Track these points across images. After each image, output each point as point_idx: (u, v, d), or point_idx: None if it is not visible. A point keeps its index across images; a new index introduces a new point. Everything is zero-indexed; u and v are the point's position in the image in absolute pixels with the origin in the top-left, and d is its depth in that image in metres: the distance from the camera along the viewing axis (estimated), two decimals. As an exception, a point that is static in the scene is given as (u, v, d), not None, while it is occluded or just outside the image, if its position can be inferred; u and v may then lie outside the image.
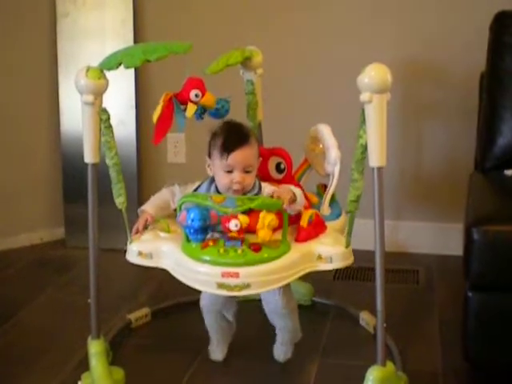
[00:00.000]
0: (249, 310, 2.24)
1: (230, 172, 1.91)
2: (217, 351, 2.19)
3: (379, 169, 1.79)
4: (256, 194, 1.95)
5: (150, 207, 2.02)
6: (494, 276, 1.85)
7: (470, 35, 2.80)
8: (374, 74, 1.72)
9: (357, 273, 2.84)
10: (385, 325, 1.85)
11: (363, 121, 1.76)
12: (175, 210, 1.93)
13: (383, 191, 1.82)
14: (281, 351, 2.14)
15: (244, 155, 1.91)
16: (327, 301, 2.55)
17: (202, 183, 2.01)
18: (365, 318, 2.37)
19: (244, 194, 1.93)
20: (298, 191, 1.92)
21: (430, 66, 2.91)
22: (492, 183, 2.31)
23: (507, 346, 1.90)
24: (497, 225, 1.85)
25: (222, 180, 1.92)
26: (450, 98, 2.91)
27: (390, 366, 1.88)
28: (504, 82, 2.38)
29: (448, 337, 2.29)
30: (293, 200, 1.87)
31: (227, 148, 1.91)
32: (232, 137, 1.93)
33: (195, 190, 2.00)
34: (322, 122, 2.12)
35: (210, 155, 1.97)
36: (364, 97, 1.72)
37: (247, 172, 1.92)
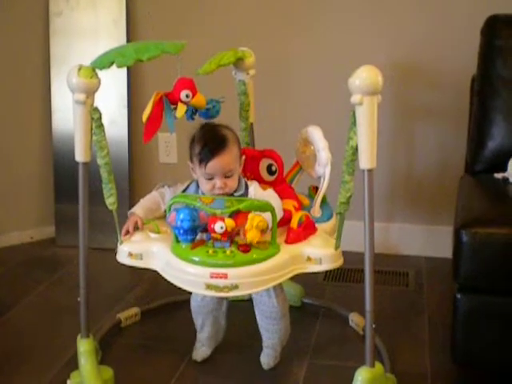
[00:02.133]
0: (237, 311, 2.25)
1: (211, 179, 1.93)
2: (200, 351, 2.18)
3: (369, 171, 1.79)
4: (242, 194, 1.96)
5: (139, 210, 2.03)
6: (482, 278, 1.86)
7: (462, 38, 2.81)
8: (364, 76, 1.72)
9: (347, 274, 2.84)
10: (374, 326, 1.85)
11: (354, 122, 1.76)
12: (165, 211, 1.93)
13: (373, 193, 1.82)
14: (270, 357, 2.11)
15: (222, 163, 1.92)
16: (317, 302, 2.55)
17: (190, 183, 2.03)
18: (354, 319, 2.38)
19: (231, 194, 1.94)
20: (277, 203, 1.92)
21: (422, 68, 2.91)
22: (482, 186, 2.31)
23: (495, 347, 1.91)
24: (486, 227, 1.85)
25: (204, 186, 1.95)
26: (441, 100, 2.92)
27: (378, 367, 1.89)
28: (495, 85, 2.39)
29: (437, 338, 2.30)
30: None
31: (205, 157, 1.92)
32: (208, 145, 1.94)
33: (184, 190, 2.02)
34: (313, 123, 2.13)
35: (191, 160, 1.99)
36: (355, 99, 1.72)
37: (228, 177, 1.93)
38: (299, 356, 2.21)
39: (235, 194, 1.95)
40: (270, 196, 1.95)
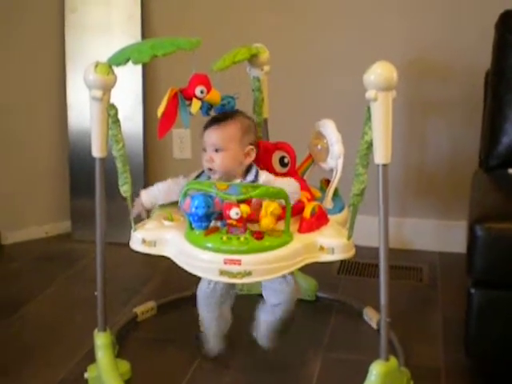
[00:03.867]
0: (251, 305, 2.26)
1: (205, 150, 1.98)
2: (212, 347, 2.15)
3: (384, 166, 1.80)
4: (253, 181, 1.97)
5: (146, 198, 2.07)
6: (496, 273, 1.87)
7: (476, 34, 2.81)
8: (379, 72, 1.72)
9: (361, 268, 2.85)
10: (388, 320, 1.86)
11: (368, 118, 1.77)
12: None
13: (388, 188, 1.83)
14: (268, 338, 2.05)
15: (214, 134, 1.97)
16: (331, 296, 2.57)
17: (200, 174, 2.04)
18: (368, 313, 2.39)
19: (228, 179, 1.95)
20: (295, 185, 1.94)
21: (436, 63, 2.92)
22: (496, 181, 2.32)
23: (508, 342, 1.92)
24: (500, 222, 1.86)
25: (202, 160, 1.99)
26: (456, 95, 2.92)
27: (393, 360, 1.90)
28: (509, 80, 2.38)
29: (450, 333, 2.31)
30: (293, 194, 1.88)
31: (204, 126, 1.99)
32: (213, 117, 2.01)
33: (196, 177, 2.04)
34: (327, 118, 2.14)
35: None
36: (370, 94, 1.73)
37: (216, 151, 1.96)
38: (314, 349, 2.23)
39: (245, 180, 1.97)
40: (284, 183, 1.94)
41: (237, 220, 1.78)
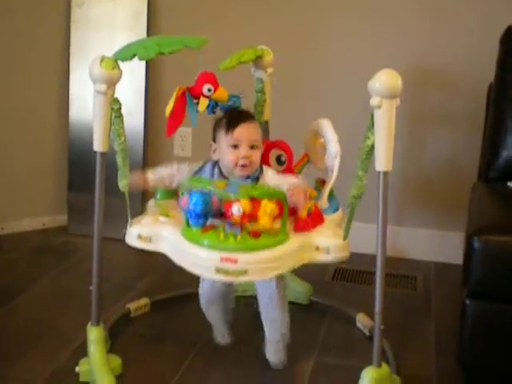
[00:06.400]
0: (245, 307, 2.26)
1: (235, 147, 1.94)
2: (219, 336, 2.24)
3: (385, 173, 1.81)
4: (257, 177, 1.97)
5: (151, 175, 2.05)
6: (492, 285, 1.87)
7: (479, 46, 2.82)
8: (384, 79, 1.73)
9: (356, 275, 2.86)
10: (382, 327, 1.87)
11: (371, 125, 1.77)
12: (177, 191, 1.94)
13: (387, 196, 1.83)
14: (274, 351, 2.10)
15: (249, 129, 1.96)
16: (325, 301, 2.57)
17: (204, 164, 2.03)
18: (361, 320, 2.39)
19: (249, 175, 1.95)
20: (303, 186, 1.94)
21: (439, 74, 2.92)
22: (494, 194, 2.32)
23: (502, 354, 1.92)
24: (498, 235, 1.87)
25: (229, 157, 1.95)
26: (458, 106, 2.93)
27: (385, 367, 1.90)
28: (512, 94, 2.40)
29: (442, 342, 2.31)
30: (306, 198, 1.89)
31: (232, 123, 1.96)
32: (236, 115, 2.00)
33: (198, 170, 2.03)
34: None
35: (214, 139, 2.01)
36: (374, 101, 1.74)
37: (253, 148, 1.95)
38: (306, 354, 2.23)
39: (251, 176, 1.97)
40: (294, 183, 1.95)
41: (239, 216, 1.77)
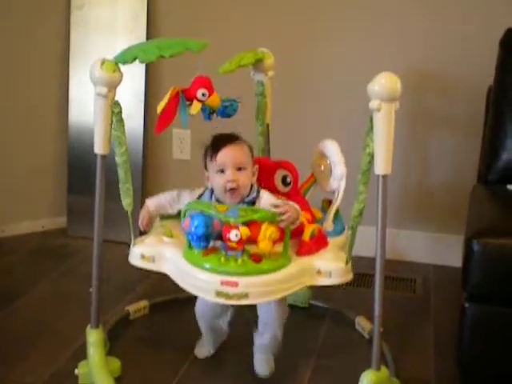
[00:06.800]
0: (244, 311, 2.25)
1: (222, 172, 1.93)
2: (203, 349, 2.20)
3: (384, 177, 1.81)
4: (253, 200, 1.96)
5: (152, 204, 2.07)
6: (491, 288, 1.87)
7: (479, 49, 2.82)
8: (384, 83, 1.73)
9: (355, 278, 2.84)
10: (382, 329, 1.87)
11: (370, 128, 1.78)
12: (179, 213, 1.94)
13: (387, 199, 1.83)
14: (263, 361, 2.07)
15: (232, 152, 1.93)
16: (324, 304, 2.57)
17: (204, 191, 2.03)
18: (361, 322, 2.39)
19: (242, 199, 1.94)
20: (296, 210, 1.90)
21: (438, 76, 2.92)
22: (494, 196, 2.32)
23: (501, 356, 1.92)
24: (497, 238, 1.87)
25: (217, 181, 1.94)
26: (457, 109, 2.92)
27: (384, 370, 1.91)
28: (511, 97, 2.40)
29: (441, 345, 2.31)
30: (294, 220, 1.86)
31: (215, 147, 1.94)
32: (219, 138, 1.97)
33: (199, 197, 2.02)
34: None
35: (206, 167, 2.00)
36: (373, 104, 1.74)
37: (240, 170, 1.93)
38: (305, 357, 2.23)
39: (246, 200, 1.95)
40: (294, 205, 1.91)
41: (236, 242, 1.77)
